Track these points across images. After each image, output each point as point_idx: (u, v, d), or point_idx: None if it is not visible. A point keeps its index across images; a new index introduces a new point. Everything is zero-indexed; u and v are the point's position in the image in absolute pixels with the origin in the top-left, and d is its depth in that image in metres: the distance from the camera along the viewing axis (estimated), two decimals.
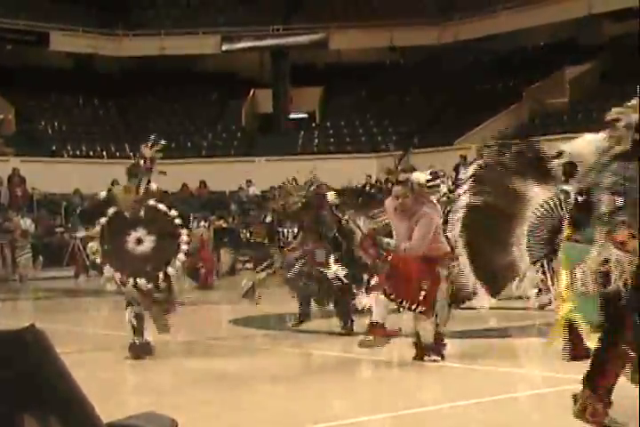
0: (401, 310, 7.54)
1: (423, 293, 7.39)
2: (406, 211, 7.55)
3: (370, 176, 26.47)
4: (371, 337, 7.52)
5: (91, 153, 29.32)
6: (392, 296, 7.39)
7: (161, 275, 7.77)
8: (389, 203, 7.80)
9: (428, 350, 7.47)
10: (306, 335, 9.49)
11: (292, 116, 31.95)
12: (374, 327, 7.54)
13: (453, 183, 28.63)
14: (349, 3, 30.92)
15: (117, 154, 29.22)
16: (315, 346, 8.76)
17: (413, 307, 7.41)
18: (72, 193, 25.40)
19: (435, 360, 7.39)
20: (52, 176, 25.39)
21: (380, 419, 5.33)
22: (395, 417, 5.36)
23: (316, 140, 30.90)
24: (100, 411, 2.58)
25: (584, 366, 7.60)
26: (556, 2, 27.04)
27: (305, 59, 31.73)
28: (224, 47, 31.11)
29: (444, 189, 29.19)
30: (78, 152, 29.20)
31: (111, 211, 8.15)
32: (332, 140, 30.85)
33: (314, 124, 31.93)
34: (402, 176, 7.53)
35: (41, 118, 30.22)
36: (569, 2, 26.83)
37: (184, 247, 7.91)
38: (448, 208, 25.82)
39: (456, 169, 25.28)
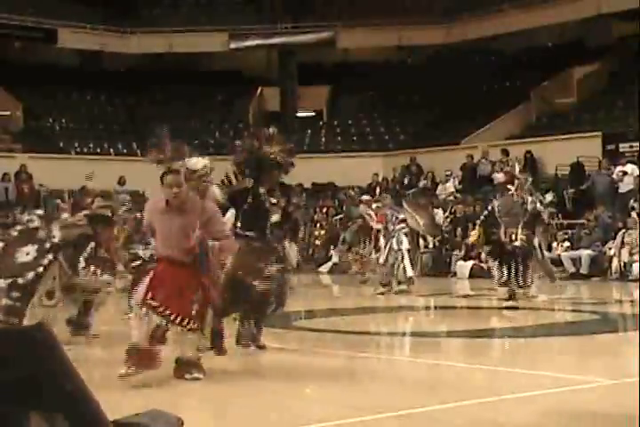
0: (169, 325, 6.47)
1: (195, 306, 6.52)
2: (181, 205, 6.57)
3: (377, 175, 26.51)
4: (131, 367, 6.37)
5: (98, 150, 29.38)
6: (161, 309, 6.41)
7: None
8: (159, 197, 6.71)
9: (190, 366, 6.64)
10: (310, 334, 9.50)
11: (300, 114, 31.96)
12: (136, 353, 6.44)
13: (460, 183, 28.67)
14: (357, 1, 30.90)
15: (124, 151, 29.28)
16: (319, 345, 8.76)
17: (185, 323, 6.47)
18: (79, 190, 25.43)
19: (196, 378, 6.56)
20: (59, 173, 25.43)
21: (381, 419, 5.34)
22: (397, 417, 5.37)
23: (324, 139, 30.91)
24: (105, 409, 2.59)
25: (588, 367, 7.62)
26: (565, 2, 27.00)
27: (312, 57, 31.70)
28: (232, 45, 31.11)
29: (450, 188, 29.13)
30: (85, 149, 29.26)
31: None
32: (339, 138, 30.87)
33: (321, 123, 31.93)
34: (175, 164, 6.59)
35: (48, 115, 30.28)
36: (577, 2, 26.78)
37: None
38: (454, 208, 25.55)
39: (463, 169, 25.33)
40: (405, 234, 15.03)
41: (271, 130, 8.14)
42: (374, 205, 16.65)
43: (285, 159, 8.00)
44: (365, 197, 18.04)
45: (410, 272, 14.99)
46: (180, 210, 6.54)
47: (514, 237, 12.11)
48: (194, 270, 6.56)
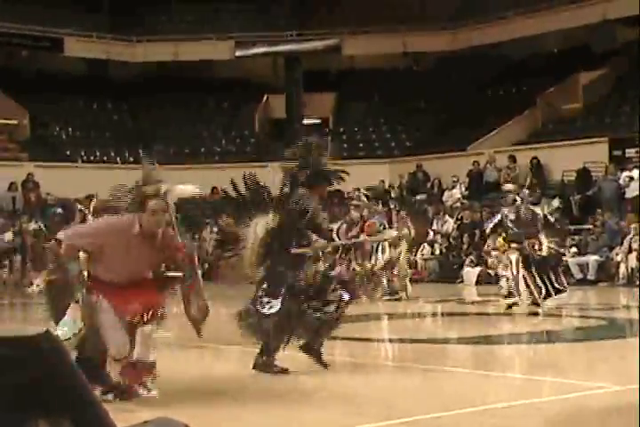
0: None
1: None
2: (154, 233, 5.93)
3: (383, 182, 26.50)
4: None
5: (104, 158, 29.43)
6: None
7: None
8: (130, 221, 5.94)
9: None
10: None
11: (306, 121, 31.98)
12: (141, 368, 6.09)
13: (466, 189, 28.59)
14: (363, 9, 30.94)
15: (131, 159, 29.32)
16: (326, 351, 8.74)
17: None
18: (84, 198, 25.45)
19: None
20: (66, 181, 25.46)
21: (387, 425, 5.34)
22: (404, 424, 5.37)
23: (330, 146, 30.88)
24: (113, 416, 2.60)
25: (595, 373, 7.61)
26: (570, 7, 27.03)
27: (318, 64, 31.75)
28: (237, 53, 31.17)
29: (457, 194, 29.07)
30: (92, 157, 29.31)
31: None
32: (345, 145, 30.83)
33: (327, 130, 31.92)
34: (164, 187, 6.01)
35: (55, 124, 30.34)
36: (583, 7, 26.81)
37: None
38: (460, 214, 25.47)
39: (469, 175, 25.31)
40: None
41: (324, 140, 7.96)
42: (365, 211, 16.66)
43: (340, 171, 7.80)
44: (355, 202, 18.06)
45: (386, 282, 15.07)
46: (152, 238, 5.92)
47: (537, 246, 11.99)
48: (146, 284, 6.04)
